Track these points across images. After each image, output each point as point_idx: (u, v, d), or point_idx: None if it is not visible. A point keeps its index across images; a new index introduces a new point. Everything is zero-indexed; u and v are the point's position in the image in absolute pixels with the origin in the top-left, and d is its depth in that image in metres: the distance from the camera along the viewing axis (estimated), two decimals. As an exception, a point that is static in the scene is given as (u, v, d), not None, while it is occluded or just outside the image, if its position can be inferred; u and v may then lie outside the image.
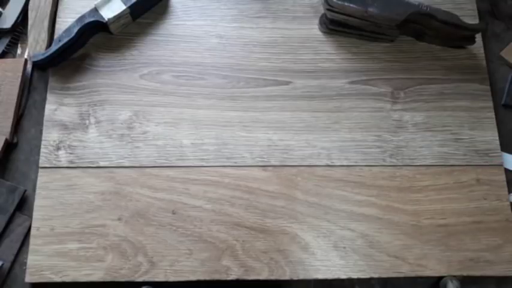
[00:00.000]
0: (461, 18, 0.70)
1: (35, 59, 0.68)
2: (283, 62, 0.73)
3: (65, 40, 0.68)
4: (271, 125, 0.69)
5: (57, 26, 0.73)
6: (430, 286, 0.65)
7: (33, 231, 0.63)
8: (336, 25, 0.72)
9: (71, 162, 0.66)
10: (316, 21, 0.75)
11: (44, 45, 0.70)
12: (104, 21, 0.69)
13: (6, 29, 0.73)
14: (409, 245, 0.64)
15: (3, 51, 0.73)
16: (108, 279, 0.61)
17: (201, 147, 0.68)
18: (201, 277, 0.62)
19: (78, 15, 0.69)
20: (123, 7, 0.69)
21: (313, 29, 0.75)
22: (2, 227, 0.63)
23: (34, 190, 0.65)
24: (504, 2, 0.80)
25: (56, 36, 0.71)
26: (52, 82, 0.70)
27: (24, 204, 0.66)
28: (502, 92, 0.74)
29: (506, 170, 0.69)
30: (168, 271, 0.62)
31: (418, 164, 0.68)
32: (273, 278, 0.62)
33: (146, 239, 0.63)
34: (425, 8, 0.69)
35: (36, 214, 0.64)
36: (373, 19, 0.70)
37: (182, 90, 0.70)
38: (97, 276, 0.61)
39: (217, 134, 0.68)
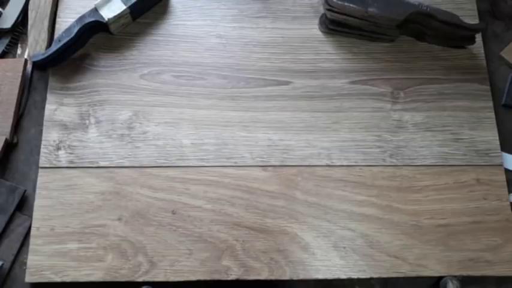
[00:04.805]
0: (461, 18, 0.70)
1: (35, 59, 0.68)
2: (283, 62, 0.73)
3: (65, 40, 0.68)
4: (271, 125, 0.69)
5: (57, 26, 0.73)
6: (430, 286, 0.65)
7: (33, 231, 0.63)
8: (336, 25, 0.72)
9: (71, 162, 0.66)
10: (316, 21, 0.75)
11: (44, 45, 0.70)
12: (104, 21, 0.69)
13: (6, 29, 0.73)
14: (409, 245, 0.64)
15: (3, 51, 0.73)
16: (108, 279, 0.61)
17: (201, 147, 0.68)
18: (201, 277, 0.62)
19: (78, 15, 0.69)
20: (123, 7, 0.69)
21: (313, 29, 0.75)
22: (2, 227, 0.63)
23: (34, 190, 0.65)
24: (504, 2, 0.80)
25: (56, 36, 0.71)
26: (52, 82, 0.70)
27: (24, 204, 0.66)
28: (502, 92, 0.74)
29: (506, 170, 0.69)
30: (168, 271, 0.62)
31: (418, 164, 0.68)
32: (273, 278, 0.62)
33: (146, 239, 0.63)
34: (425, 8, 0.69)
35: (36, 214, 0.64)
36: (373, 19, 0.70)
37: (182, 90, 0.70)
38: (97, 276, 0.61)
39: (217, 134, 0.68)
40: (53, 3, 0.73)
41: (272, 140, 0.69)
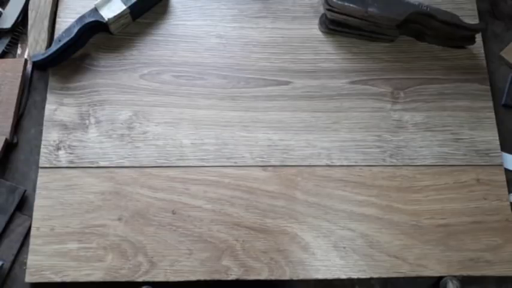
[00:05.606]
0: (461, 18, 0.70)
1: (35, 59, 0.68)
2: (283, 62, 0.73)
3: (65, 40, 0.68)
4: (271, 125, 0.69)
5: (57, 26, 0.73)
6: (430, 286, 0.65)
7: (33, 231, 0.63)
8: (336, 25, 0.72)
9: (71, 162, 0.66)
10: (316, 21, 0.75)
11: (44, 45, 0.70)
12: (104, 21, 0.69)
13: (6, 29, 0.73)
14: (409, 245, 0.64)
15: (3, 51, 0.73)
16: (108, 279, 0.61)
17: (201, 147, 0.68)
18: (201, 277, 0.62)
19: (78, 15, 0.69)
20: (123, 7, 0.69)
21: (313, 29, 0.75)
22: (2, 227, 0.63)
23: (34, 190, 0.65)
24: (504, 2, 0.80)
25: (56, 36, 0.71)
26: (52, 82, 0.70)
27: (24, 204, 0.66)
28: (502, 92, 0.74)
29: (506, 170, 0.69)
30: (168, 271, 0.62)
31: (418, 164, 0.68)
32: (273, 278, 0.62)
33: (146, 239, 0.63)
34: (425, 8, 0.70)
35: (36, 214, 0.64)
36: (373, 19, 0.70)
37: (182, 90, 0.70)
38: (97, 276, 0.61)
39: (217, 134, 0.68)
40: (53, 3, 0.73)
41: (272, 140, 0.69)
